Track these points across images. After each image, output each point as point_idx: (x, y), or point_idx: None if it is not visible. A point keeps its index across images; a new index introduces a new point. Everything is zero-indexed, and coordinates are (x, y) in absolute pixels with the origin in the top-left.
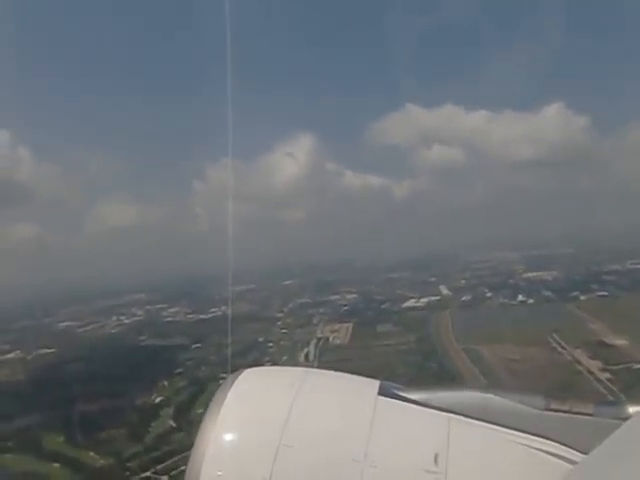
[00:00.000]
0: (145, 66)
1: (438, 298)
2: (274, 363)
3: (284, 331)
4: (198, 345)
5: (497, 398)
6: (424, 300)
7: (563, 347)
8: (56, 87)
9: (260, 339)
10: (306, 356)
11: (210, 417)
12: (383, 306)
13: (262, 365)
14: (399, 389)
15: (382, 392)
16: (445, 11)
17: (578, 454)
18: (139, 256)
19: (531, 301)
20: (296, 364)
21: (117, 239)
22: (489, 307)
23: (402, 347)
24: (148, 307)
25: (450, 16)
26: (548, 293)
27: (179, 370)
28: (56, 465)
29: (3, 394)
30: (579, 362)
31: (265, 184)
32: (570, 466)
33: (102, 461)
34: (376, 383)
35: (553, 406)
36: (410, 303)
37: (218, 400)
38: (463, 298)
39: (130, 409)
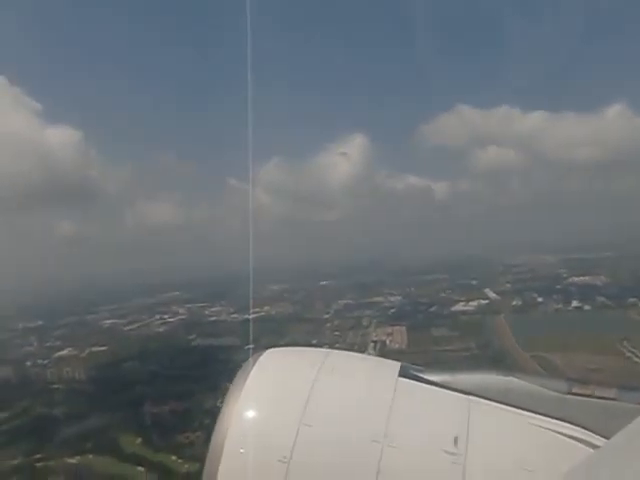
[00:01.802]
0: (192, 66)
1: (487, 302)
2: None
3: (336, 333)
4: (251, 346)
5: (518, 381)
6: (473, 304)
7: (638, 356)
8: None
9: (313, 341)
10: None
11: (233, 396)
12: (432, 309)
13: None
14: (420, 371)
15: (403, 374)
16: (502, 9)
17: (600, 438)
18: (173, 254)
19: (587, 307)
20: None
21: (154, 236)
22: (544, 313)
23: (465, 353)
24: (189, 306)
25: (506, 14)
26: (602, 299)
27: None
28: (140, 469)
29: (68, 393)
30: None
31: (307, 184)
32: (592, 450)
33: (186, 466)
34: (397, 365)
35: (575, 390)
36: (459, 307)
37: (241, 379)
38: (514, 303)
39: (200, 412)
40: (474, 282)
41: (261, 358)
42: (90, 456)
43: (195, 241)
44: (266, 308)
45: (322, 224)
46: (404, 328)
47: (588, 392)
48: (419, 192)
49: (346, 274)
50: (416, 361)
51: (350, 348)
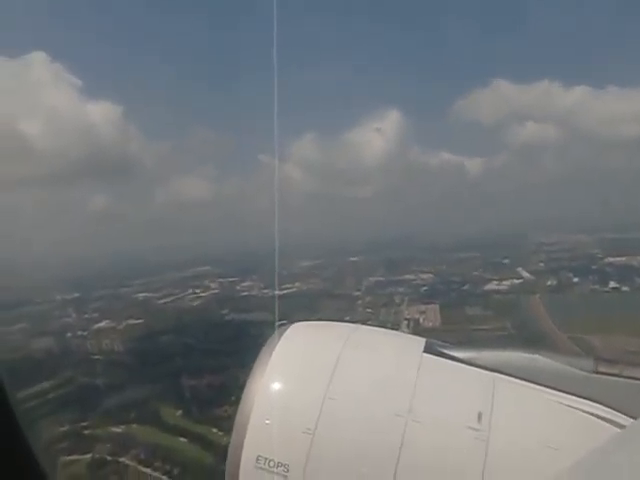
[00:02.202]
0: (225, 42)
1: (521, 281)
2: None
3: (369, 310)
4: (284, 322)
5: (544, 359)
6: (506, 283)
7: None
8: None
9: (346, 317)
10: None
11: (258, 368)
12: (464, 288)
13: None
14: (445, 347)
15: (428, 350)
16: None
17: (627, 418)
18: (204, 229)
19: (625, 289)
20: None
21: (186, 212)
22: (581, 293)
23: (501, 333)
24: (220, 280)
25: None
26: None
27: None
28: (183, 440)
29: (109, 364)
30: None
31: (340, 160)
32: (618, 430)
33: (226, 439)
34: (422, 340)
35: (602, 369)
36: (492, 286)
37: (266, 352)
38: (548, 283)
39: (236, 386)
40: (506, 261)
41: (287, 332)
42: (134, 425)
43: (226, 217)
44: (297, 284)
45: (354, 200)
46: (437, 306)
47: (615, 371)
48: (452, 168)
49: (376, 250)
50: (450, 340)
51: (383, 326)
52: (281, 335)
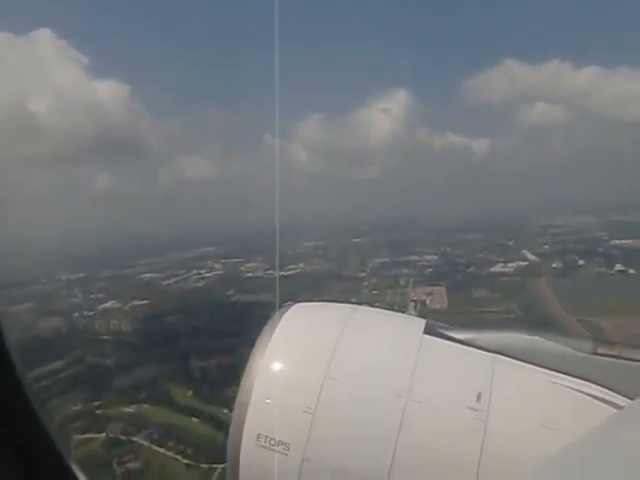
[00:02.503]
0: (236, 21)
1: (526, 264)
2: None
3: (375, 292)
4: (290, 303)
5: (544, 341)
6: (512, 265)
7: None
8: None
9: (352, 299)
10: None
11: (259, 349)
12: (470, 270)
13: None
14: (445, 328)
15: (428, 331)
16: None
17: (625, 399)
18: (207, 209)
19: (632, 271)
20: None
21: (189, 191)
22: (587, 276)
23: (508, 315)
24: (224, 261)
25: None
26: None
27: None
28: (195, 420)
29: (117, 344)
30: None
31: (345, 140)
32: (616, 411)
33: None
34: (422, 322)
35: (601, 350)
36: (498, 268)
37: (267, 333)
38: (554, 265)
39: (244, 367)
40: (510, 243)
41: (287, 313)
42: (145, 406)
43: (230, 197)
44: (301, 265)
45: (358, 181)
46: (443, 288)
47: (614, 353)
48: (459, 150)
49: (380, 232)
50: (458, 322)
51: (390, 307)
52: (282, 316)
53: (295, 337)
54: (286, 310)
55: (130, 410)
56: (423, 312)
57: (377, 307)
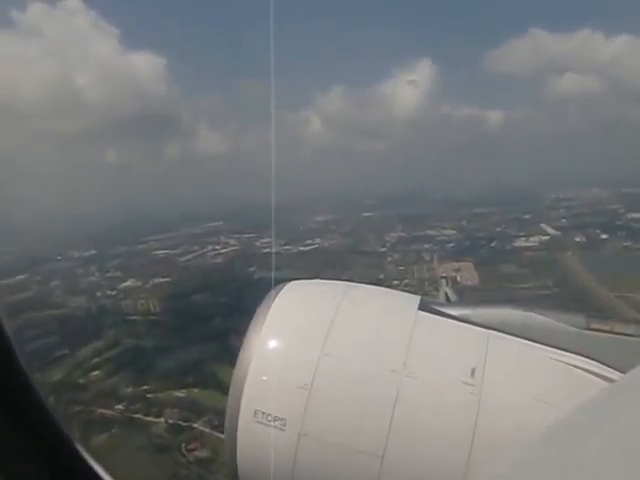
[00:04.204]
0: None
1: (548, 238)
2: None
3: (401, 268)
4: (315, 279)
5: (538, 316)
6: (534, 240)
7: None
8: None
9: (380, 275)
10: (447, 297)
11: (255, 326)
12: (492, 245)
13: None
14: (440, 305)
15: (422, 307)
16: None
17: (618, 373)
18: (215, 183)
19: None
20: None
21: (195, 166)
22: (614, 250)
23: (545, 292)
24: (236, 236)
25: None
26: None
27: None
28: None
29: (150, 325)
30: None
31: (365, 112)
32: (608, 384)
33: None
34: (417, 298)
35: (594, 326)
36: (521, 242)
37: (263, 310)
38: (577, 239)
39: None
40: (527, 217)
41: (283, 290)
42: (195, 390)
43: (239, 172)
44: (318, 240)
45: (367, 153)
46: (471, 264)
47: (607, 328)
48: (478, 121)
49: (388, 206)
50: (494, 298)
51: (421, 284)
52: (278, 293)
53: (291, 314)
54: (281, 287)
55: (181, 395)
56: (456, 289)
57: (407, 284)
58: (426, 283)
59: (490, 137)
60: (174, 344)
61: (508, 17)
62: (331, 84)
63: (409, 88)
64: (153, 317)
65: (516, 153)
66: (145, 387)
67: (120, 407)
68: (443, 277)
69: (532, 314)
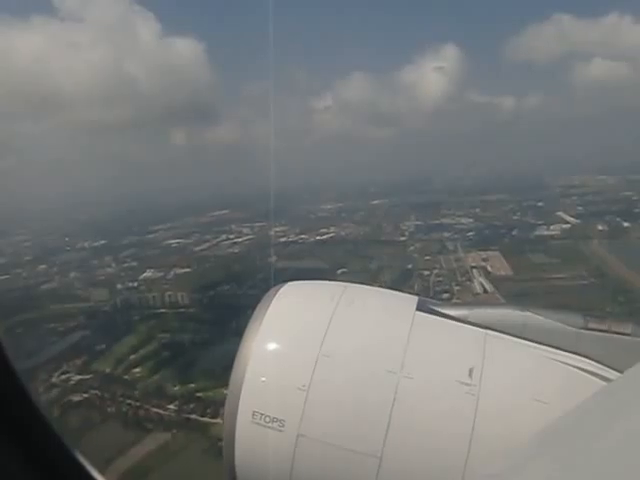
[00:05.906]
0: None
1: (569, 226)
2: (448, 293)
3: (427, 258)
4: (344, 270)
5: (535, 316)
6: (555, 228)
7: None
8: None
9: (408, 265)
10: (484, 289)
11: (253, 327)
12: (514, 233)
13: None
14: (437, 305)
15: (420, 307)
16: None
17: (615, 373)
18: (213, 171)
19: None
20: (475, 296)
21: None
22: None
23: (582, 282)
24: (248, 225)
25: None
26: None
27: None
28: None
29: (184, 317)
30: None
31: (381, 99)
32: (606, 384)
33: None
34: (415, 299)
35: (592, 325)
36: (542, 231)
37: (261, 311)
38: (600, 227)
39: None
40: (540, 204)
41: (281, 291)
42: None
43: (240, 160)
44: (332, 229)
45: (376, 140)
46: (498, 253)
47: (604, 327)
48: (493, 108)
49: (394, 194)
50: (534, 291)
51: (451, 274)
52: (275, 294)
53: (288, 315)
54: (279, 288)
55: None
56: (490, 278)
57: (437, 274)
58: (457, 273)
59: (499, 124)
60: (212, 338)
61: (531, 2)
62: (351, 70)
63: (438, 75)
64: (183, 310)
65: (519, 142)
66: (192, 385)
67: (172, 407)
68: (474, 267)
69: (529, 314)
